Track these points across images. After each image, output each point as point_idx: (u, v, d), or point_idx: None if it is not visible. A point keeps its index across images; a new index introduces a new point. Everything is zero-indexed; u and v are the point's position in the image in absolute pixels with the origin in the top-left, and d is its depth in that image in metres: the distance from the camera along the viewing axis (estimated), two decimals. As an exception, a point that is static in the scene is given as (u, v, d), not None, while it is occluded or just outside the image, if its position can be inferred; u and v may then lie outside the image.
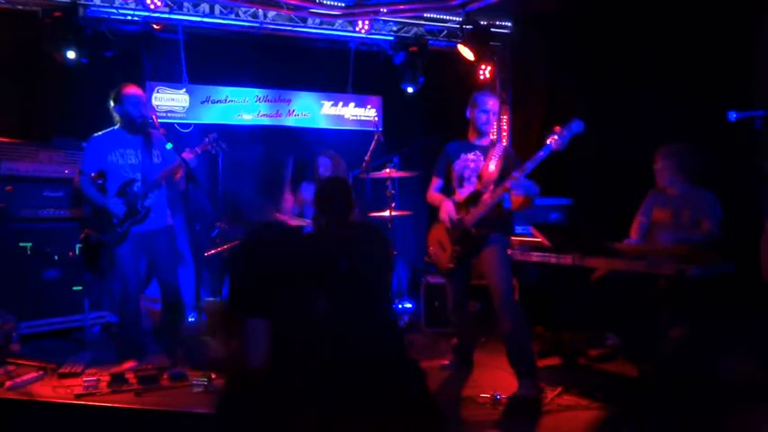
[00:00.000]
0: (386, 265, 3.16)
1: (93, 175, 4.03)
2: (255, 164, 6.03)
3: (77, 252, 4.81)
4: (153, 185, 4.02)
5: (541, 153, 3.49)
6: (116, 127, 4.08)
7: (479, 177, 3.81)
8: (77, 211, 4.83)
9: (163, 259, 4.11)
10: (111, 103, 4.04)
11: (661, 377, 3.58)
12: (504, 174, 3.72)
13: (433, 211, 4.11)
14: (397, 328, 3.00)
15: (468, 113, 3.94)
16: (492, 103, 3.88)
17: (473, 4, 5.60)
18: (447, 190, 3.99)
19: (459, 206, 3.83)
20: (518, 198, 3.71)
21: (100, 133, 4.06)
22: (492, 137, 3.98)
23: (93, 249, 4.10)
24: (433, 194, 4.03)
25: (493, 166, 3.75)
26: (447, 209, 3.83)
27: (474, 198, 3.76)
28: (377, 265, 3.00)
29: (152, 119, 3.98)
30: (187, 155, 3.99)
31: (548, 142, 3.48)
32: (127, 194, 3.98)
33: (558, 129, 3.49)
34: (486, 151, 3.85)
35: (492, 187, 3.69)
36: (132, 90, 4.06)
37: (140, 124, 3.98)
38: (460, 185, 3.89)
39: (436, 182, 4.05)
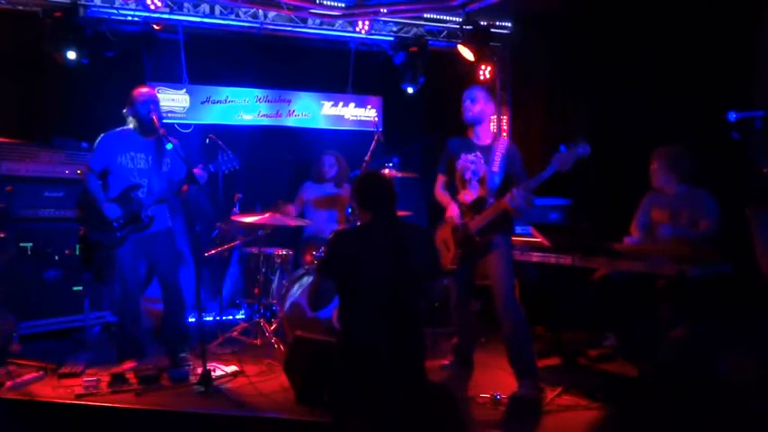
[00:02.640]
0: (434, 272, 3.09)
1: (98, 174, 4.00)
2: (255, 164, 6.05)
3: (76, 251, 4.81)
4: (158, 197, 3.97)
5: (545, 173, 3.46)
6: (129, 127, 4.02)
7: (481, 182, 3.78)
8: (81, 209, 4.82)
9: (164, 260, 4.10)
10: (126, 107, 3.99)
11: (661, 377, 3.59)
12: (507, 180, 3.70)
13: (435, 210, 4.10)
14: (423, 342, 3.00)
15: None
16: (472, 93, 3.83)
17: (473, 4, 5.60)
18: (450, 187, 3.97)
19: (463, 209, 3.82)
20: (513, 211, 3.70)
21: (113, 131, 4.01)
22: (494, 134, 3.94)
23: (91, 249, 4.08)
24: (440, 193, 3.99)
25: (496, 168, 3.73)
26: (453, 212, 3.81)
27: (478, 204, 3.74)
28: (422, 271, 2.98)
29: (152, 118, 3.93)
30: (198, 171, 3.94)
31: (552, 162, 3.45)
32: (130, 200, 3.93)
33: (564, 149, 3.44)
34: (486, 152, 3.80)
35: (493, 200, 3.68)
36: (143, 90, 4.02)
37: (150, 125, 3.90)
38: (463, 187, 3.86)
39: (441, 179, 4.02)
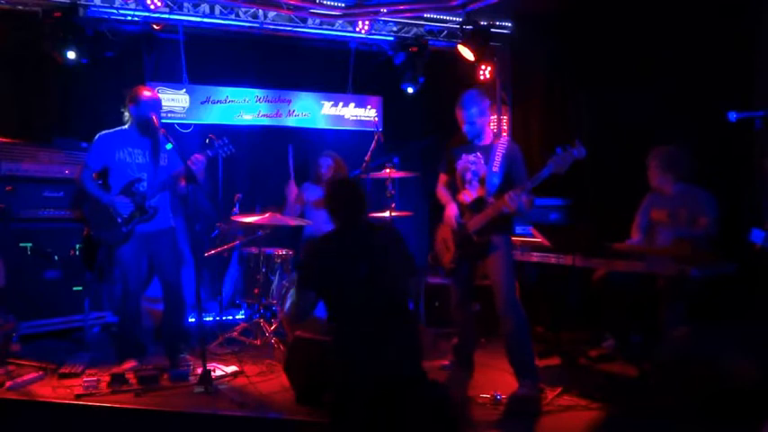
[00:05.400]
0: (408, 271, 3.15)
1: (93, 174, 4.00)
2: (255, 164, 6.05)
3: (77, 251, 4.81)
4: (159, 188, 3.99)
5: (542, 174, 3.46)
6: (125, 127, 4.03)
7: (481, 182, 3.78)
8: (77, 210, 4.82)
9: (165, 260, 4.10)
10: (127, 103, 4.00)
11: (661, 377, 3.58)
12: (506, 180, 3.70)
13: (435, 210, 4.11)
14: (416, 333, 3.03)
15: None
16: (470, 112, 3.75)
17: (473, 4, 5.59)
18: (452, 187, 3.97)
19: (463, 209, 3.82)
20: (512, 211, 3.69)
21: (109, 131, 4.01)
22: (493, 135, 3.91)
23: (94, 249, 4.08)
24: (441, 192, 4.00)
25: (496, 168, 3.73)
26: (451, 212, 3.82)
27: (477, 204, 3.73)
28: (398, 271, 3.02)
29: (152, 118, 3.94)
30: (198, 157, 3.94)
31: (549, 164, 3.45)
32: (134, 194, 3.94)
33: (560, 151, 3.44)
34: (486, 152, 3.78)
35: (492, 200, 3.67)
36: (151, 93, 4.04)
37: (153, 127, 3.93)
38: (463, 187, 3.85)
39: (443, 178, 4.02)
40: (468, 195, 3.80)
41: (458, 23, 6.07)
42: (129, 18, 5.45)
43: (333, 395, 2.97)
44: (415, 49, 6.07)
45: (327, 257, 3.00)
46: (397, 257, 3.04)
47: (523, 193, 3.50)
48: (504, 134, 6.56)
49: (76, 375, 3.79)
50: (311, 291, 3.03)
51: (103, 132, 4.01)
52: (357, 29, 6.04)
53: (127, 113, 4.03)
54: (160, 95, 4.17)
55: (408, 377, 2.87)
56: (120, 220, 3.92)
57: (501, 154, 3.73)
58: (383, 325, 2.87)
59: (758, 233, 3.16)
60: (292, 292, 4.54)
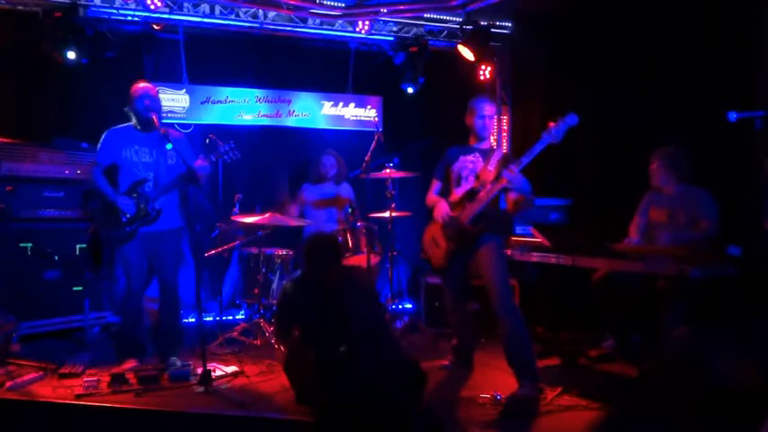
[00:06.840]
0: (375, 319, 3.43)
1: (104, 170, 4.00)
2: (255, 164, 6.05)
3: (82, 250, 4.81)
4: (164, 190, 3.98)
5: (537, 146, 3.48)
6: (132, 123, 4.05)
7: (477, 176, 3.81)
8: (86, 208, 4.82)
9: (167, 260, 4.09)
10: (128, 101, 4.03)
11: (661, 377, 3.58)
12: (500, 172, 3.72)
13: (432, 211, 4.12)
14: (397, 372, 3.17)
15: (467, 120, 3.96)
16: (488, 108, 3.93)
17: (473, 4, 5.59)
18: (445, 193, 4.00)
19: (454, 205, 3.84)
20: (512, 196, 3.71)
21: (117, 127, 4.04)
22: (493, 143, 4.00)
23: (100, 246, 4.08)
24: (431, 197, 4.06)
25: (491, 166, 3.76)
26: (441, 208, 3.85)
27: (470, 195, 3.77)
28: (363, 312, 3.29)
29: (152, 118, 3.93)
30: (201, 162, 3.95)
31: (543, 136, 3.48)
32: (138, 194, 3.94)
33: (552, 123, 3.48)
34: (485, 154, 3.88)
35: (488, 186, 3.69)
36: (140, 86, 4.04)
37: (147, 121, 3.93)
38: (458, 185, 3.89)
39: (435, 185, 4.07)
40: (461, 190, 3.84)
41: (458, 23, 6.07)
42: (129, 18, 5.45)
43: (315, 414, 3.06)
44: (415, 49, 6.07)
45: (297, 300, 3.44)
46: (361, 303, 3.38)
47: (520, 168, 3.52)
48: (504, 135, 6.58)
49: (76, 375, 3.79)
50: (288, 324, 3.53)
51: (112, 128, 4.04)
52: (357, 29, 6.04)
53: (129, 113, 4.04)
54: (160, 95, 4.17)
55: (391, 406, 2.89)
56: (124, 220, 3.93)
57: (498, 157, 3.81)
58: (356, 354, 3.09)
59: (734, 249, 3.22)
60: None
